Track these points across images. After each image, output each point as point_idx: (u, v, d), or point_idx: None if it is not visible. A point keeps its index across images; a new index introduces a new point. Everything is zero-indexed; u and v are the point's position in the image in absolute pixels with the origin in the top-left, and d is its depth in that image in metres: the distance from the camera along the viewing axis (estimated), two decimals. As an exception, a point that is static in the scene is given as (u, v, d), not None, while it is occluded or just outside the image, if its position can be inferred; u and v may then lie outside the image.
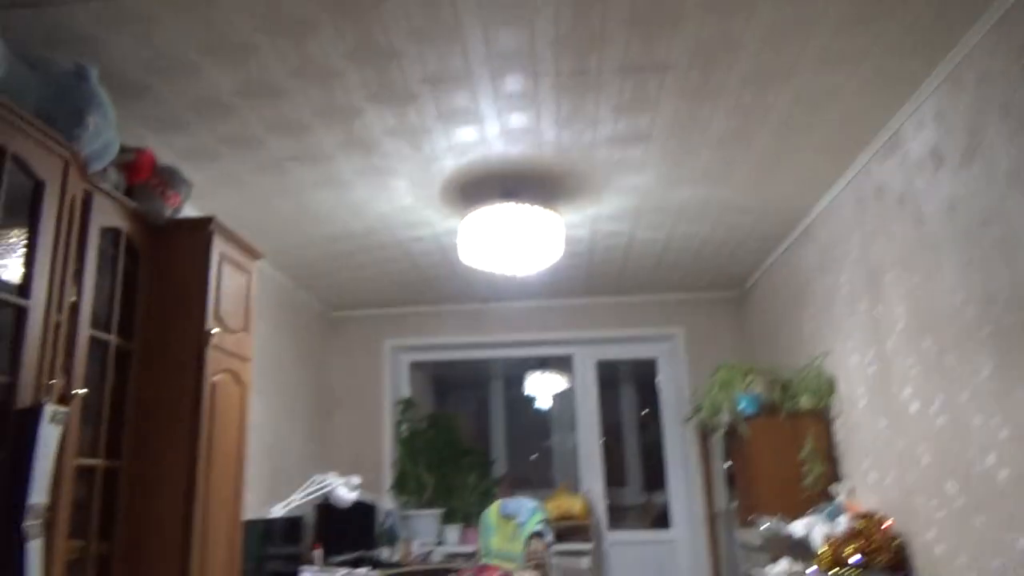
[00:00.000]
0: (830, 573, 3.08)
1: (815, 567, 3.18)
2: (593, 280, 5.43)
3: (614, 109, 2.92)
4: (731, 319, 5.81)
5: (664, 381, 6.00)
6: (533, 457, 7.45)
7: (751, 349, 5.52)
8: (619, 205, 3.93)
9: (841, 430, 3.89)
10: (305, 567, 4.11)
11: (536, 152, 3.28)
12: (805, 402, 3.98)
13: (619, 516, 6.07)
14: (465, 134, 3.08)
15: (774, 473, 3.92)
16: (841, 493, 3.69)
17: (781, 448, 3.94)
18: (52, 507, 2.04)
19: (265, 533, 3.56)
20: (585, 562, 5.39)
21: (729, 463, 4.83)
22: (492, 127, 3.04)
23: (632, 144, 3.23)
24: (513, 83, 2.72)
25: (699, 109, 2.93)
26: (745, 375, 4.24)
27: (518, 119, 2.98)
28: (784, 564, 3.32)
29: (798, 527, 3.44)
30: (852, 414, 3.73)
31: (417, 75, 2.64)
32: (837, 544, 3.12)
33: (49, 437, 2.00)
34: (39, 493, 1.94)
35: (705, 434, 5.48)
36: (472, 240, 3.72)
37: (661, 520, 5.99)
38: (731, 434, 4.39)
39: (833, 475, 3.88)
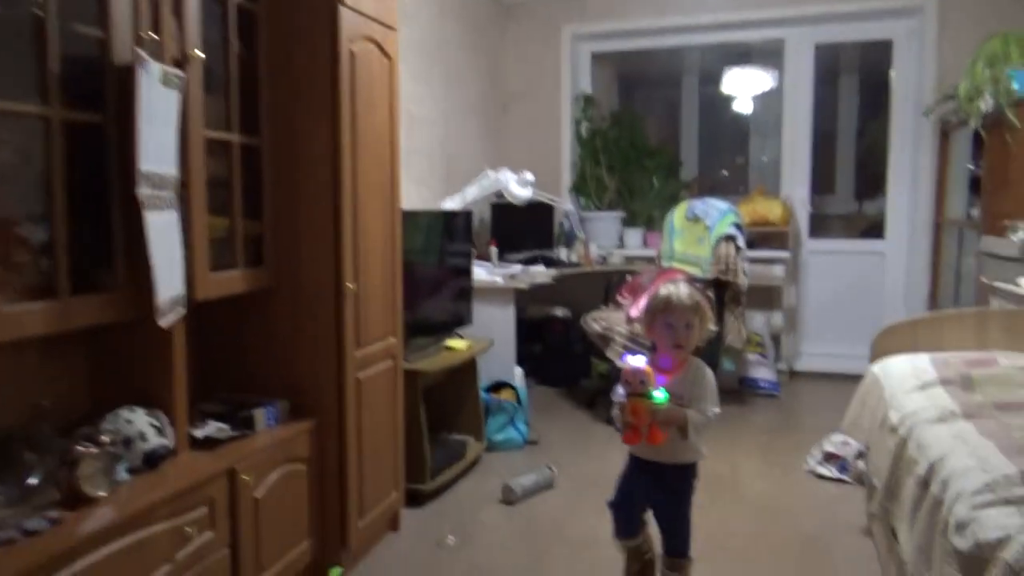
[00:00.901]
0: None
1: (1089, 285, 2.51)
2: (820, -66, 4.24)
3: None
4: (1007, -18, 4.43)
5: (899, 69, 4.90)
6: (725, 174, 6.74)
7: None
8: None
9: None
10: (479, 262, 4.04)
11: None
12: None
13: (823, 226, 5.44)
14: None
15: (1046, 173, 3.08)
16: None
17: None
18: (185, 182, 1.88)
19: (440, 227, 3.43)
20: (779, 270, 4.96)
21: (974, 165, 3.95)
22: None
23: None
24: None
25: None
26: (1025, 46, 3.21)
27: None
28: (1043, 280, 2.67)
29: (1071, 237, 2.71)
30: None
31: None
32: None
33: (163, 101, 1.77)
34: (159, 162, 1.75)
35: (946, 132, 4.51)
36: None
37: (871, 232, 5.30)
38: (989, 125, 3.48)
39: None
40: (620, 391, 1.89)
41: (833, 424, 3.63)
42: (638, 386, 1.82)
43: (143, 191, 1.67)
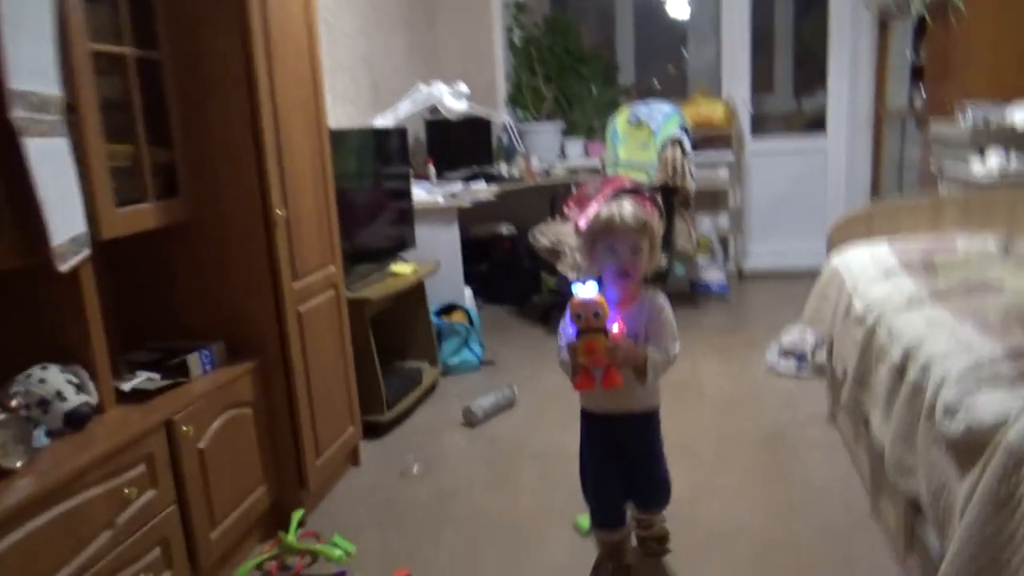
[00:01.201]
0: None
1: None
2: None
3: None
4: None
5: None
6: (657, 85, 6.53)
7: None
8: None
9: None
10: (417, 182, 3.83)
11: None
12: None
13: (764, 125, 5.35)
14: None
15: (994, 54, 3.03)
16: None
17: (1009, 20, 2.98)
18: (72, 104, 1.63)
19: (373, 146, 3.19)
20: (723, 173, 4.90)
21: (914, 54, 3.89)
22: None
23: None
24: None
25: None
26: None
27: None
28: (995, 158, 2.63)
29: (1021, 114, 2.67)
30: None
31: None
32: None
33: (32, 7, 1.50)
34: (37, 80, 1.50)
35: (884, 22, 4.42)
36: None
37: (811, 128, 5.25)
38: (933, 10, 3.39)
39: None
40: (569, 330, 1.59)
41: (785, 320, 3.64)
42: (592, 320, 1.51)
43: (18, 114, 1.43)
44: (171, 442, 1.78)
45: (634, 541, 1.98)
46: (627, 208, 1.65)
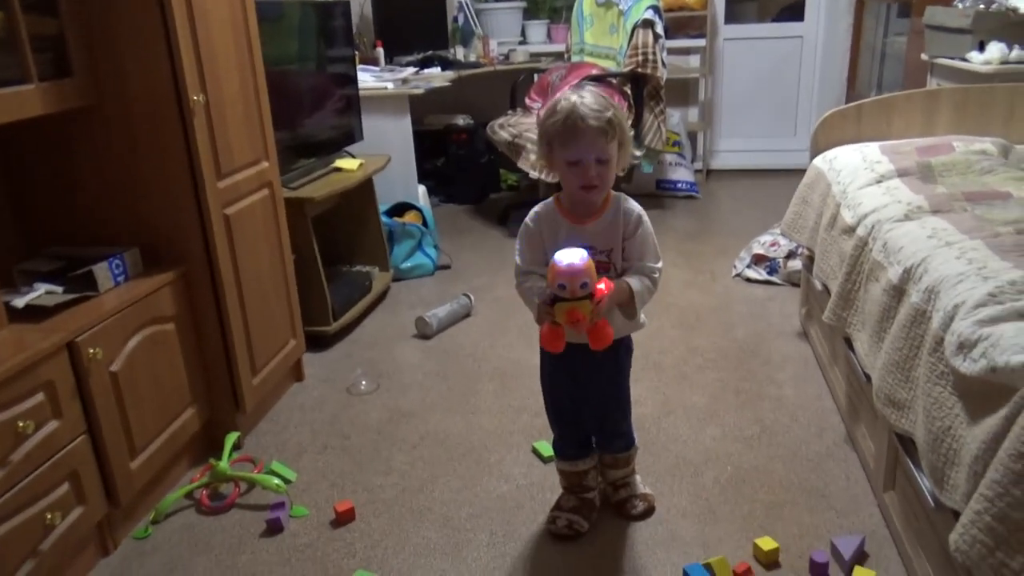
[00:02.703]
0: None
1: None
2: None
3: None
4: None
5: None
6: None
7: None
8: None
9: None
10: (364, 67, 3.47)
11: None
12: None
13: (738, 10, 4.99)
14: None
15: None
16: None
17: None
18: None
19: (312, 22, 2.80)
20: (694, 61, 4.59)
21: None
22: None
23: None
24: None
25: None
26: None
27: None
28: (995, 49, 2.41)
29: (1026, 1, 2.44)
30: None
31: None
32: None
33: None
34: None
35: None
36: None
37: (789, 13, 4.92)
38: None
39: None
40: (544, 288, 1.38)
41: (757, 224, 3.49)
42: (577, 291, 1.30)
43: None
44: (76, 367, 1.56)
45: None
46: (588, 100, 1.35)
